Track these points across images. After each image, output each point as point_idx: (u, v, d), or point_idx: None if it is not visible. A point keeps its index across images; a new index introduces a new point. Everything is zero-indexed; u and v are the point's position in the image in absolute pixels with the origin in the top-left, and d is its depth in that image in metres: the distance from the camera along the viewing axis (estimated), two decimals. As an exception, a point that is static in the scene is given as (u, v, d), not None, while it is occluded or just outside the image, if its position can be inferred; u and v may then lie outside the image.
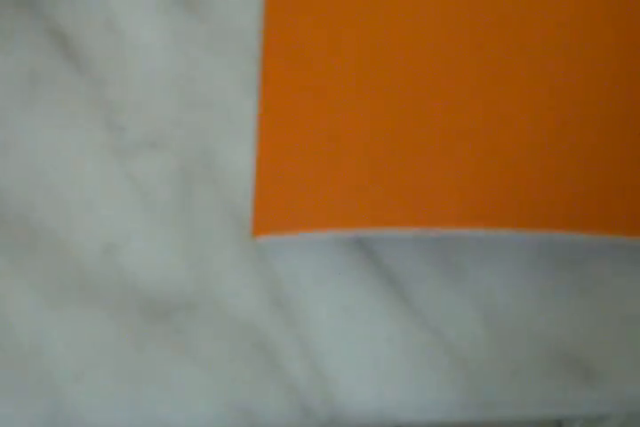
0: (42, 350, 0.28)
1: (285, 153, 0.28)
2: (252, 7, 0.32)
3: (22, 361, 0.27)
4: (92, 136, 0.30)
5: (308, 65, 0.29)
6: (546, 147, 0.27)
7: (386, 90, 0.28)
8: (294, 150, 0.28)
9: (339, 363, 0.27)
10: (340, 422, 0.27)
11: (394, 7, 0.29)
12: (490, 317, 0.28)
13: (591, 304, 0.28)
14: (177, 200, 0.30)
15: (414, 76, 0.28)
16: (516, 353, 0.27)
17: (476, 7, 0.29)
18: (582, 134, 0.27)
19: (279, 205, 0.27)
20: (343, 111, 0.28)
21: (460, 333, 0.28)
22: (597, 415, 0.28)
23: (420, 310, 0.28)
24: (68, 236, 0.29)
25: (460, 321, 0.28)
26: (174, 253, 0.29)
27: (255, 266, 0.29)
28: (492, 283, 0.28)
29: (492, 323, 0.28)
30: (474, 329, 0.28)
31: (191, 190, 0.30)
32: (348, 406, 0.27)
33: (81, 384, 0.27)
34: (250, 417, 0.27)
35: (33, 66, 0.31)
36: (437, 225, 0.26)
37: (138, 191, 0.30)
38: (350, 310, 0.28)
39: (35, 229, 0.29)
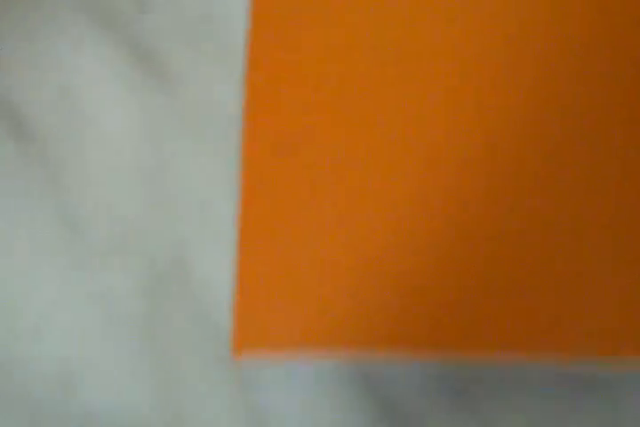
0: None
1: (270, 264, 0.25)
2: (232, 85, 0.27)
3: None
4: (45, 239, 0.26)
5: (295, 162, 0.26)
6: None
7: (371, 209, 0.26)
8: (279, 261, 0.25)
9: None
10: None
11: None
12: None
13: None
14: (144, 317, 0.26)
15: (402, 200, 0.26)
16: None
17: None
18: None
19: (263, 321, 0.25)
20: (332, 221, 0.26)
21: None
22: None
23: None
24: (15, 364, 0.25)
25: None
26: (142, 380, 0.25)
27: (235, 392, 0.25)
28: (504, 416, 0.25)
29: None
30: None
31: (161, 305, 0.26)
32: None
33: None
34: None
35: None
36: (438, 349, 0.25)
37: (99, 307, 0.26)
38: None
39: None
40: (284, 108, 0.26)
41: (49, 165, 0.27)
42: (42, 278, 0.26)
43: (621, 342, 0.24)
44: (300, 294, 0.25)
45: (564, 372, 0.25)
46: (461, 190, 0.26)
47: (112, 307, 0.26)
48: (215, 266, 0.26)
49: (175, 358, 0.25)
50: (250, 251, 0.25)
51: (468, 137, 0.26)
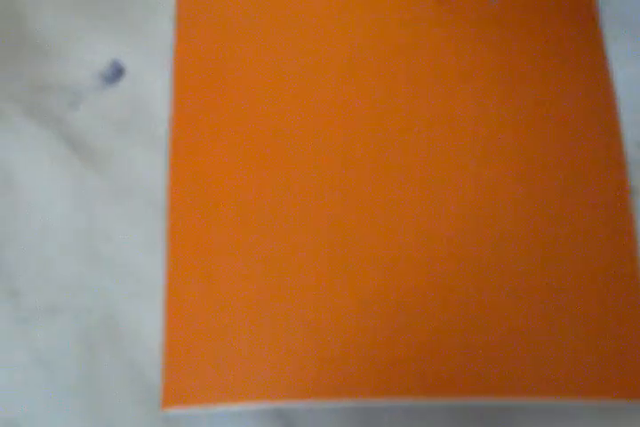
0: None
1: (195, 320, 0.27)
2: (156, 159, 0.30)
3: None
4: None
5: (218, 225, 0.28)
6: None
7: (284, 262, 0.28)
8: (206, 318, 0.27)
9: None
10: None
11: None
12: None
13: None
14: (80, 370, 0.27)
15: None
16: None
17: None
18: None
19: (190, 375, 0.26)
20: (253, 285, 0.28)
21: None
22: None
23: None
24: None
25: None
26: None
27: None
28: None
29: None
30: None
31: (95, 359, 0.27)
32: None
33: None
34: None
35: None
36: (353, 396, 0.26)
37: (37, 360, 0.27)
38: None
39: None
40: (202, 179, 0.28)
41: None
42: None
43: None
44: (223, 351, 0.26)
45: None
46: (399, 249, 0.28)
47: (49, 360, 0.27)
48: (145, 322, 0.27)
49: (109, 407, 0.26)
50: (176, 309, 0.27)
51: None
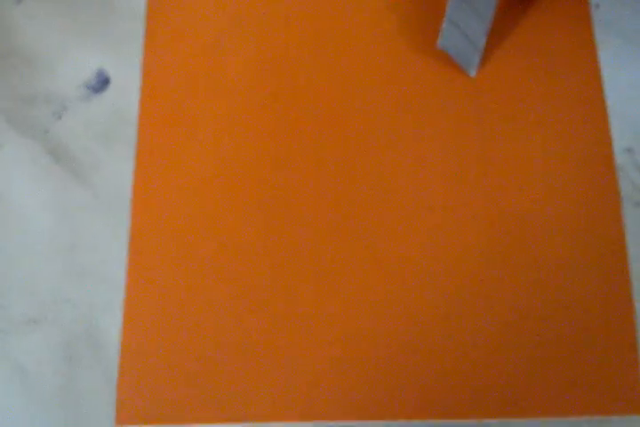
0: None
1: (151, 336, 0.27)
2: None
3: None
4: None
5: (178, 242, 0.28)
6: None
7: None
8: (160, 335, 0.27)
9: None
10: None
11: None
12: None
13: None
14: (58, 381, 0.27)
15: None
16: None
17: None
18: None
19: (144, 393, 0.26)
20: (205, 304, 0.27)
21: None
22: None
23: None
24: None
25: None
26: None
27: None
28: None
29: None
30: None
31: (73, 370, 0.27)
32: None
33: None
34: None
35: None
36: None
37: (18, 371, 0.27)
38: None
39: None
40: (162, 194, 0.29)
41: None
42: None
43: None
44: (176, 371, 0.26)
45: None
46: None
47: (31, 372, 0.27)
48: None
49: (84, 417, 0.26)
50: (132, 327, 0.27)
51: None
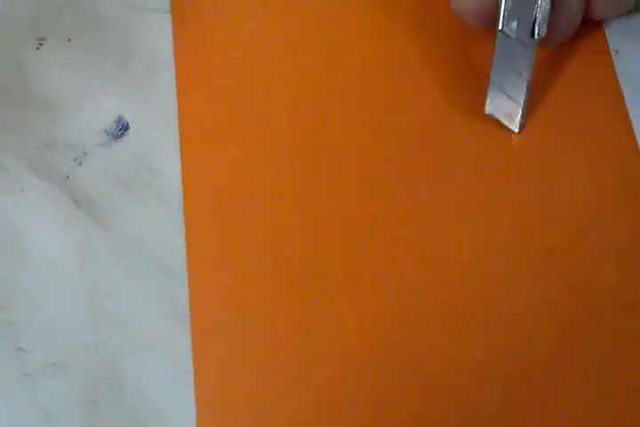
0: None
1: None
2: (161, 216, 0.30)
3: None
4: None
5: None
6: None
7: None
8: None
9: None
10: None
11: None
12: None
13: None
14: (84, 425, 0.27)
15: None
16: None
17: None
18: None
19: None
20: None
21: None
22: None
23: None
24: None
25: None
26: None
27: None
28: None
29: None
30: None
31: (98, 415, 0.27)
32: None
33: None
34: None
35: None
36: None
37: (43, 416, 0.27)
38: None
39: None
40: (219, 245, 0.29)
41: None
42: None
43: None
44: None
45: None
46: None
47: (53, 415, 0.27)
48: (147, 379, 0.28)
49: None
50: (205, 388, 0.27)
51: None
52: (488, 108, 0.31)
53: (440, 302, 0.28)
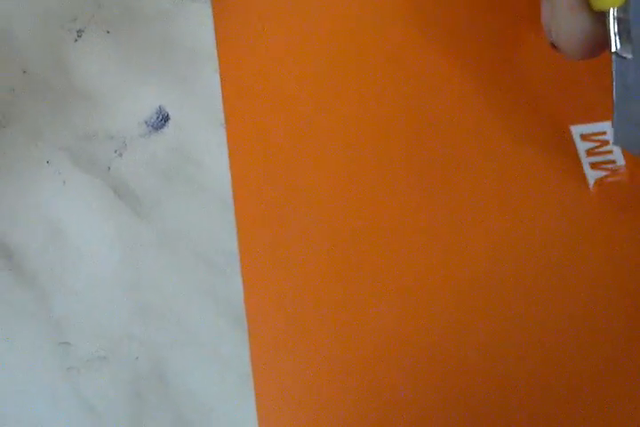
0: None
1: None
2: (202, 207, 0.30)
3: None
4: (39, 352, 0.28)
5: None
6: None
7: None
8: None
9: None
10: None
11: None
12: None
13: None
14: (129, 418, 0.27)
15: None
16: None
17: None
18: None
19: None
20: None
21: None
22: None
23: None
24: None
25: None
26: None
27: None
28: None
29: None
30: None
31: (143, 407, 0.27)
32: None
33: None
34: None
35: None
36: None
37: (87, 409, 0.27)
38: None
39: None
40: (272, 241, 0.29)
41: (38, 287, 0.29)
42: (40, 384, 0.28)
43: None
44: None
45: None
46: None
47: (99, 408, 0.27)
48: (191, 371, 0.27)
49: None
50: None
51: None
52: (619, 142, 0.28)
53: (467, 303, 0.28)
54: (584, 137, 0.30)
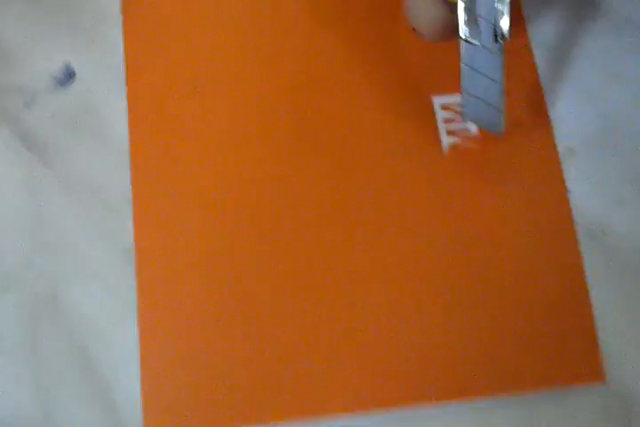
0: None
1: (167, 354, 0.31)
2: (101, 157, 0.33)
3: None
4: None
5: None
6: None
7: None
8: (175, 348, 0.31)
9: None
10: None
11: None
12: None
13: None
14: (26, 335, 0.31)
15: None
16: None
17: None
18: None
19: (167, 405, 0.30)
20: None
21: None
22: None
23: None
24: None
25: None
26: (24, 385, 0.30)
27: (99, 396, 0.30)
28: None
29: None
30: None
31: (38, 328, 0.31)
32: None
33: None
34: None
35: None
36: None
37: None
38: None
39: None
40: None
41: None
42: None
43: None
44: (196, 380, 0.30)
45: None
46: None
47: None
48: (83, 299, 0.31)
49: (49, 369, 0.31)
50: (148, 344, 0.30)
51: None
52: (467, 117, 0.32)
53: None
54: (444, 107, 0.35)
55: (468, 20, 0.30)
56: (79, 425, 0.30)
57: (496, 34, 0.29)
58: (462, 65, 0.30)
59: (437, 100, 0.35)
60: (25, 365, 0.31)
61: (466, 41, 0.30)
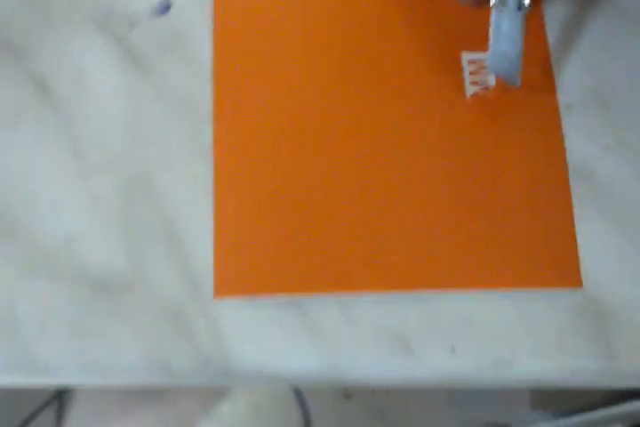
0: (14, 311, 0.37)
1: (239, 230, 0.38)
2: (193, 73, 0.41)
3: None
4: (61, 161, 0.40)
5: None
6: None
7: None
8: (248, 227, 0.38)
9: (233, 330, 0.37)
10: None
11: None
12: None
13: None
14: (122, 208, 0.39)
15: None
16: None
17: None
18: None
19: (234, 271, 0.37)
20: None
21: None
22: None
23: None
24: (37, 229, 0.38)
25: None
26: (118, 245, 0.38)
27: (179, 259, 0.38)
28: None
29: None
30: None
31: (132, 202, 0.39)
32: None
33: (42, 337, 0.37)
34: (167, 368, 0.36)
35: (17, 104, 0.40)
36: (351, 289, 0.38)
37: (94, 201, 0.39)
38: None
39: (11, 223, 0.38)
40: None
41: (63, 115, 0.41)
42: (60, 182, 0.39)
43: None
44: (262, 250, 0.37)
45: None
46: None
47: (101, 201, 0.39)
48: (170, 182, 0.39)
49: (140, 234, 0.38)
50: (223, 218, 0.38)
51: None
52: (492, 69, 0.40)
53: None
54: (470, 61, 0.42)
55: None
56: (159, 281, 0.38)
57: (519, 4, 0.36)
58: (491, 27, 0.38)
59: (466, 56, 0.42)
60: (121, 231, 0.38)
61: (496, 7, 0.37)
